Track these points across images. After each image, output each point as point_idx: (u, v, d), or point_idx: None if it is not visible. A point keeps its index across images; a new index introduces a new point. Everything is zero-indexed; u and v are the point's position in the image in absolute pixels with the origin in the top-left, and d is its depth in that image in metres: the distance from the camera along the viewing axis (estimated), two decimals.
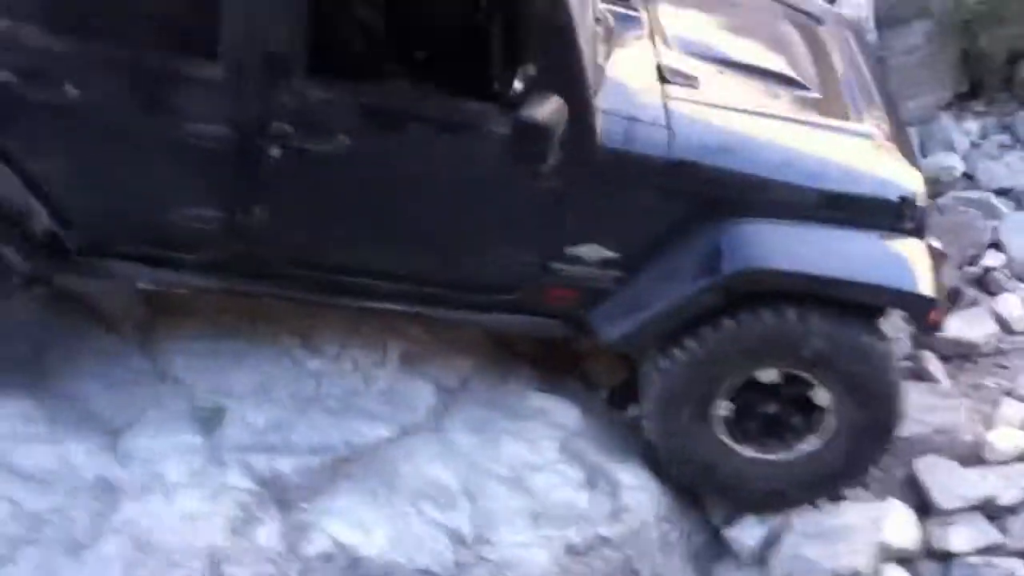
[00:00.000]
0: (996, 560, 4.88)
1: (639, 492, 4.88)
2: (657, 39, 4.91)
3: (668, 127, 4.46)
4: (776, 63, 5.10)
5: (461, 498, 4.70)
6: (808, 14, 5.68)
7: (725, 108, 4.67)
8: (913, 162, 4.98)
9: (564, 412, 5.12)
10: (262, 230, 4.37)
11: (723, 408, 4.73)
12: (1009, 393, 5.57)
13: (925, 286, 4.60)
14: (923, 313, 4.71)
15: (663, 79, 4.66)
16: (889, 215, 4.66)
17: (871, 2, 6.91)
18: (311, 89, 4.10)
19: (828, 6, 6.02)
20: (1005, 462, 5.23)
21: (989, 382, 5.71)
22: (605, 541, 4.73)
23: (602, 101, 4.36)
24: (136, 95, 4.08)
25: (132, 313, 5.04)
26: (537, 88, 4.12)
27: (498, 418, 5.03)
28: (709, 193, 4.50)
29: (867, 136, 4.89)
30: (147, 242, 4.42)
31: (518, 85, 4.22)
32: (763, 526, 4.94)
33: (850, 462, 4.89)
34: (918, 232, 4.72)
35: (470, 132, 4.27)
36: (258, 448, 4.63)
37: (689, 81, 4.71)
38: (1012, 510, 5.07)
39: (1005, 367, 5.79)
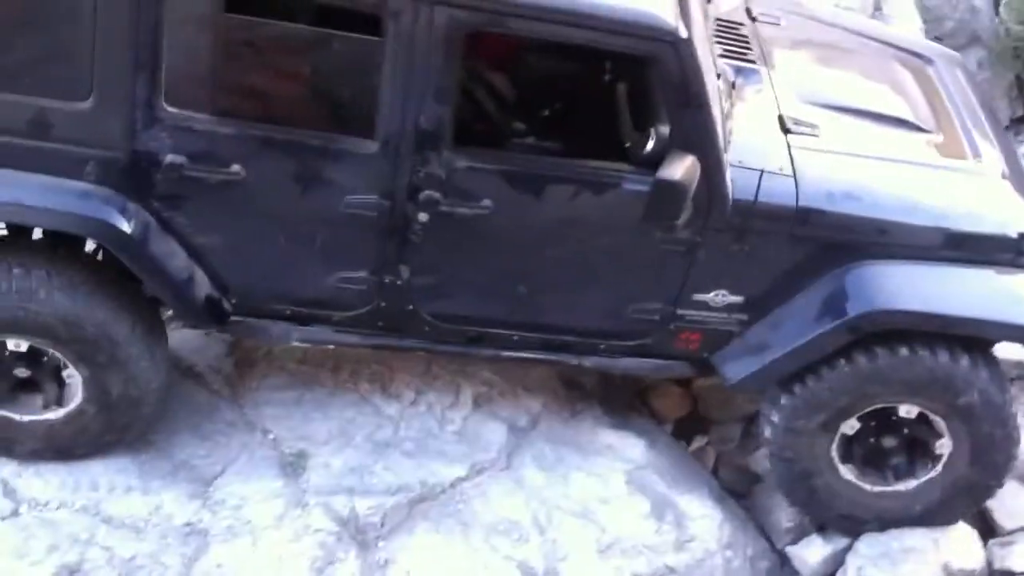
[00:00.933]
0: None
1: (704, 521, 5.05)
2: (776, 90, 5.02)
3: (794, 176, 4.58)
4: (892, 107, 5.19)
5: (532, 532, 4.89)
6: (917, 54, 5.77)
7: (847, 154, 4.79)
8: None
9: (631, 446, 5.30)
10: (407, 288, 4.62)
11: (849, 427, 4.83)
12: None
13: None
14: None
15: (785, 129, 4.79)
16: (1010, 251, 4.77)
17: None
18: (458, 159, 4.34)
19: (935, 44, 6.05)
20: None
21: None
22: (671, 570, 4.90)
23: (730, 155, 4.50)
24: (297, 171, 4.33)
25: (221, 368, 5.32)
26: (671, 148, 4.28)
27: (567, 454, 5.21)
28: (835, 238, 4.63)
29: (984, 175, 4.99)
30: (298, 303, 4.69)
31: (651, 145, 4.38)
32: (827, 546, 5.07)
33: (936, 511, 4.99)
34: None
35: (604, 191, 4.44)
36: (338, 490, 4.85)
37: (811, 130, 4.82)
38: None
39: None
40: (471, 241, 4.53)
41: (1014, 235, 4.76)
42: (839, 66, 5.48)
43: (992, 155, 5.11)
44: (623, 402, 5.61)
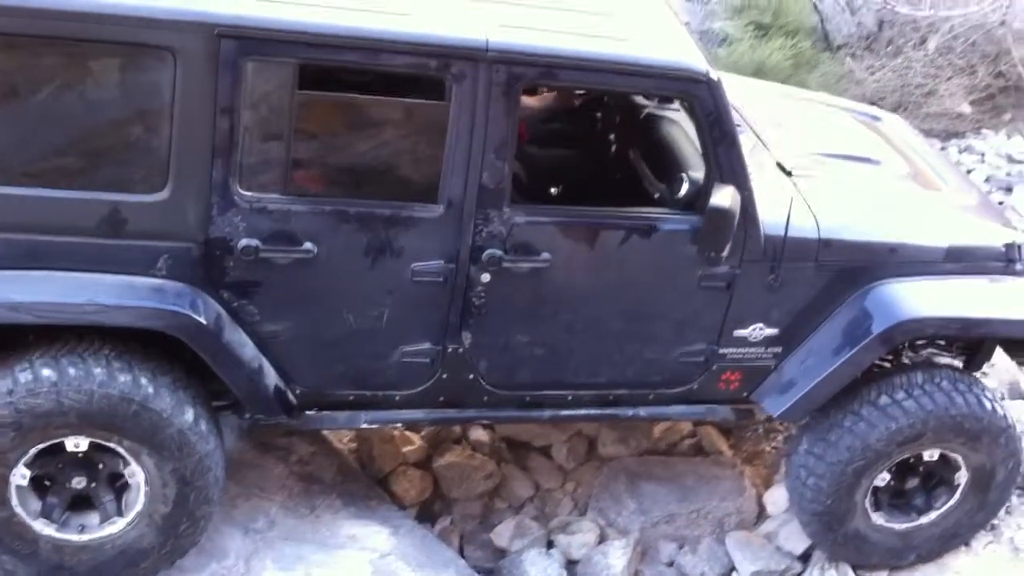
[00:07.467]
0: None
1: None
2: (763, 142, 5.37)
3: (811, 212, 4.86)
4: (863, 149, 5.68)
5: None
6: (865, 114, 6.37)
7: (846, 188, 5.19)
8: (1000, 218, 5.54)
9: (375, 535, 5.19)
10: (469, 357, 4.69)
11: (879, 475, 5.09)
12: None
13: None
14: None
15: (786, 172, 5.13)
16: (1001, 260, 5.15)
17: None
18: (517, 215, 4.47)
19: (876, 109, 6.72)
20: None
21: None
22: None
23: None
24: (366, 243, 4.36)
25: None
26: (711, 182, 4.52)
27: (309, 552, 5.04)
28: (854, 263, 4.90)
29: (959, 200, 5.47)
30: (362, 386, 4.70)
31: (685, 189, 4.64)
32: None
33: (953, 536, 5.35)
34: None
35: (651, 233, 4.62)
36: None
37: (808, 172, 5.17)
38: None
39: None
40: (530, 298, 4.64)
41: (1001, 246, 5.15)
42: (802, 119, 5.94)
43: (959, 185, 5.66)
44: (363, 492, 5.49)
